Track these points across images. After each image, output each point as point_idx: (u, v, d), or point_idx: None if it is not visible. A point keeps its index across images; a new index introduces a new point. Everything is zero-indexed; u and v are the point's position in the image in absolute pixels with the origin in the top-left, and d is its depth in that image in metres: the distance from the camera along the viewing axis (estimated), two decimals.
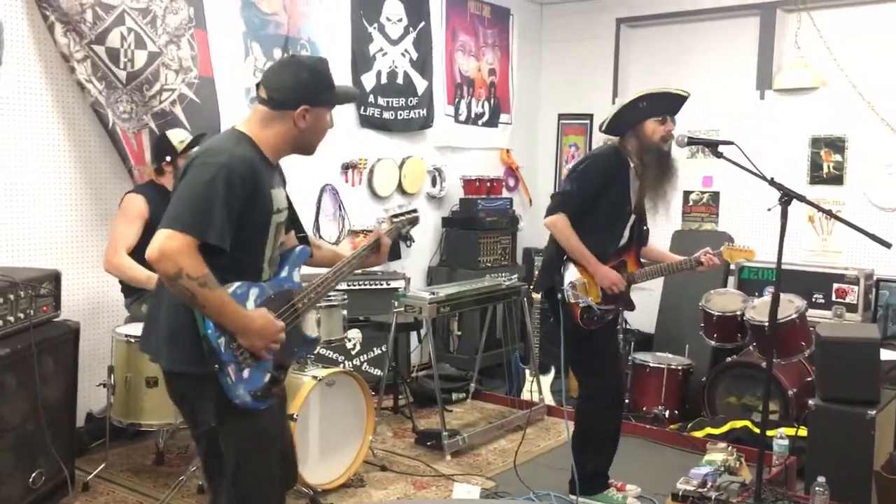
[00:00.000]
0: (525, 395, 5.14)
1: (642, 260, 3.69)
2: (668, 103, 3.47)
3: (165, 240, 2.05)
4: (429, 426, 4.54)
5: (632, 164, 3.45)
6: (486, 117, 6.53)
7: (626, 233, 3.57)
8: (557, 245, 3.48)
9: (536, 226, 6.15)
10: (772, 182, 3.16)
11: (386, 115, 5.60)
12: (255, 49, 4.77)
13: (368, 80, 5.48)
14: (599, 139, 6.32)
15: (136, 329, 3.60)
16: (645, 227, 3.65)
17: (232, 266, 2.15)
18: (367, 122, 5.52)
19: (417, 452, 4.24)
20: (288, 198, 2.39)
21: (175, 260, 2.03)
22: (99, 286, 4.17)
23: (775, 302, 3.17)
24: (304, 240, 2.49)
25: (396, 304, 4.31)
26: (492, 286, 4.69)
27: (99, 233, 4.16)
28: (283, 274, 2.33)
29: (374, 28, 5.50)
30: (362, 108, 5.47)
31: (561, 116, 6.93)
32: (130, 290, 3.96)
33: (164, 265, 2.04)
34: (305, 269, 2.42)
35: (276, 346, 2.19)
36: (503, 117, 6.68)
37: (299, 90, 2.23)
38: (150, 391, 3.51)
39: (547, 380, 5.21)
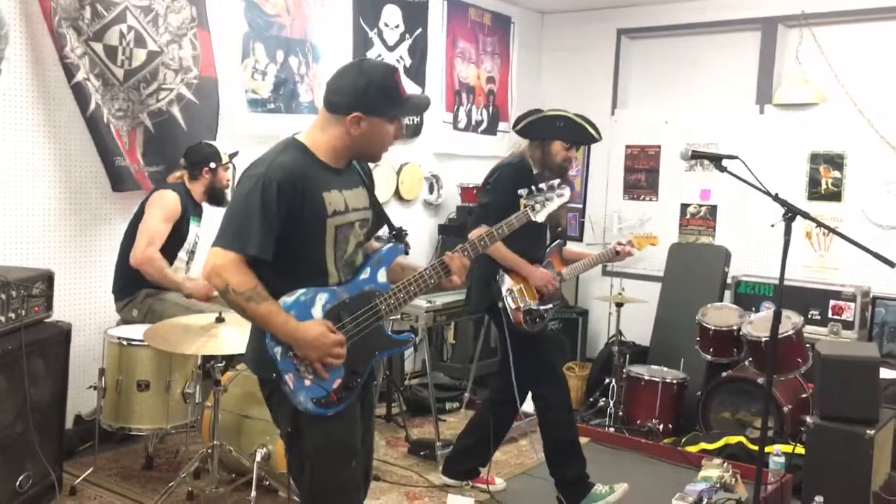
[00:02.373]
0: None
1: (565, 259, 3.90)
2: (580, 135, 3.63)
3: (212, 257, 2.15)
4: (422, 435, 4.50)
5: (534, 171, 3.57)
6: (485, 125, 6.50)
7: (548, 235, 3.77)
8: (488, 259, 3.53)
9: None
10: (776, 198, 3.13)
11: None
12: (258, 50, 4.74)
13: None
14: (587, 148, 6.42)
15: (129, 331, 3.57)
16: (560, 229, 3.86)
17: (294, 272, 2.20)
18: None
19: (410, 462, 4.20)
20: (374, 202, 2.42)
21: (221, 276, 2.12)
22: (92, 287, 4.12)
23: (776, 319, 3.13)
24: (397, 239, 2.45)
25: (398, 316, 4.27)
26: None
27: (92, 233, 4.11)
28: (364, 276, 2.31)
29: (375, 33, 5.47)
30: None
31: None
32: (123, 293, 3.91)
33: (214, 281, 2.15)
34: None
35: (334, 359, 2.19)
36: (502, 125, 6.66)
37: (354, 96, 2.21)
38: (140, 395, 3.47)
39: None
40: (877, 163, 5.39)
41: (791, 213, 3.08)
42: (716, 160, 3.41)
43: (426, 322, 4.17)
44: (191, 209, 3.95)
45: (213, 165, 3.92)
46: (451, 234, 5.96)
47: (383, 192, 5.63)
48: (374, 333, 2.30)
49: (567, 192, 2.74)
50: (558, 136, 3.55)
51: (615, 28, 6.51)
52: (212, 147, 3.98)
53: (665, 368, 5.26)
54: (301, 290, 2.19)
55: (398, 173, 5.73)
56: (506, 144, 6.70)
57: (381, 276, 2.34)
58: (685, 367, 5.29)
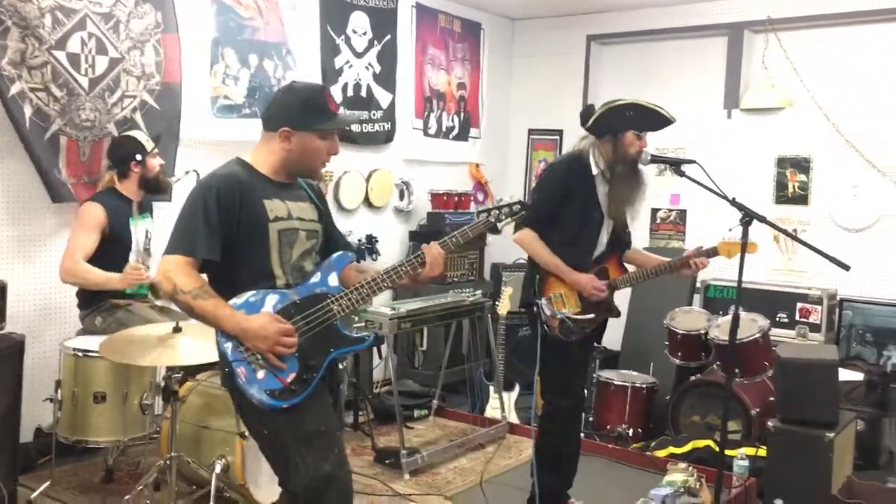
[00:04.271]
0: (489, 413, 5.08)
1: (626, 265, 3.62)
2: (652, 121, 3.40)
3: (162, 264, 2.29)
4: (389, 444, 4.47)
5: (594, 170, 3.39)
6: (455, 131, 6.49)
7: (604, 239, 3.50)
8: (533, 259, 3.45)
9: (505, 241, 6.11)
10: (733, 202, 3.15)
11: (352, 127, 5.55)
12: (228, 55, 4.70)
13: (336, 93, 5.43)
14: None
15: (86, 342, 3.52)
16: (626, 231, 3.59)
17: (241, 277, 2.32)
18: None
19: (375, 471, 4.16)
20: (324, 214, 2.55)
21: (170, 279, 2.25)
22: (47, 298, 4.06)
23: (735, 322, 3.15)
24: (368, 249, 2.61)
25: (357, 319, 4.24)
26: (455, 302, 4.64)
27: (48, 243, 4.05)
28: (314, 280, 2.42)
29: (342, 40, 5.45)
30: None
31: (531, 131, 6.91)
32: (86, 303, 3.86)
33: (163, 286, 2.28)
34: None
35: (283, 348, 2.27)
36: (473, 131, 6.66)
37: (282, 112, 2.38)
38: (97, 406, 3.42)
39: (511, 397, 5.16)
40: (842, 166, 5.43)
41: (748, 217, 3.10)
42: (675, 164, 3.43)
43: (390, 329, 4.14)
44: (126, 211, 3.86)
45: (139, 158, 3.84)
46: (422, 240, 5.91)
47: (353, 199, 5.61)
48: (327, 331, 2.38)
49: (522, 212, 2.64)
50: (629, 126, 3.33)
51: (585, 34, 6.53)
52: (132, 139, 3.88)
53: (635, 373, 5.26)
54: (251, 292, 2.32)
55: (367, 180, 5.71)
56: (478, 150, 6.71)
57: (333, 280, 2.45)
58: (655, 372, 5.29)
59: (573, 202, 3.39)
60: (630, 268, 3.60)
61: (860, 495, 3.01)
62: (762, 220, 3.10)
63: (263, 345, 2.26)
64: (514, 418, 5.03)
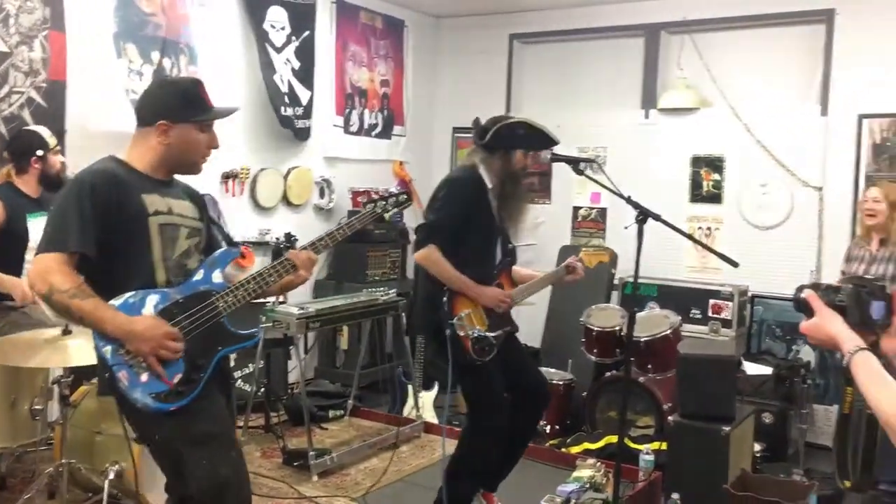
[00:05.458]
0: (407, 412, 5.06)
1: (515, 279, 3.60)
2: (540, 141, 3.44)
3: (34, 264, 2.17)
4: (300, 445, 4.41)
5: (489, 185, 3.38)
6: (379, 129, 6.45)
7: (499, 254, 3.49)
8: (433, 281, 3.33)
9: None
10: (629, 200, 3.18)
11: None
12: (130, 51, 4.58)
13: (280, 84, 5.40)
14: None
15: None
16: (510, 246, 3.59)
17: (121, 274, 2.23)
18: None
19: (283, 473, 4.10)
20: (204, 214, 2.49)
21: (44, 279, 2.12)
22: None
23: (631, 319, 3.19)
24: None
25: (264, 319, 4.17)
26: (367, 301, 4.59)
27: None
28: (198, 277, 2.34)
29: (259, 35, 5.36)
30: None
31: (456, 130, 6.91)
32: None
33: (37, 287, 2.15)
34: None
35: (167, 351, 2.18)
36: (397, 129, 6.62)
37: (155, 105, 2.32)
38: None
39: (430, 396, 5.15)
40: (753, 166, 5.55)
41: (643, 215, 3.14)
42: (574, 163, 3.46)
43: (298, 329, 4.09)
44: (25, 207, 3.73)
45: (40, 153, 3.72)
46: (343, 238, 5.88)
47: (271, 197, 5.53)
48: (214, 329, 2.30)
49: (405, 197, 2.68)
50: (520, 144, 3.37)
51: (508, 33, 6.56)
52: (35, 134, 3.76)
53: (553, 370, 5.28)
54: (129, 293, 2.21)
55: (286, 177, 5.63)
56: (401, 148, 6.68)
57: (217, 277, 2.36)
58: (573, 369, 5.34)
59: (476, 217, 3.36)
60: (518, 283, 3.60)
61: (752, 488, 3.07)
62: (656, 217, 3.14)
63: (146, 347, 2.16)
64: (431, 417, 5.02)
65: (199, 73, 4.86)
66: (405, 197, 2.64)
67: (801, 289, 1.77)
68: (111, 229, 2.20)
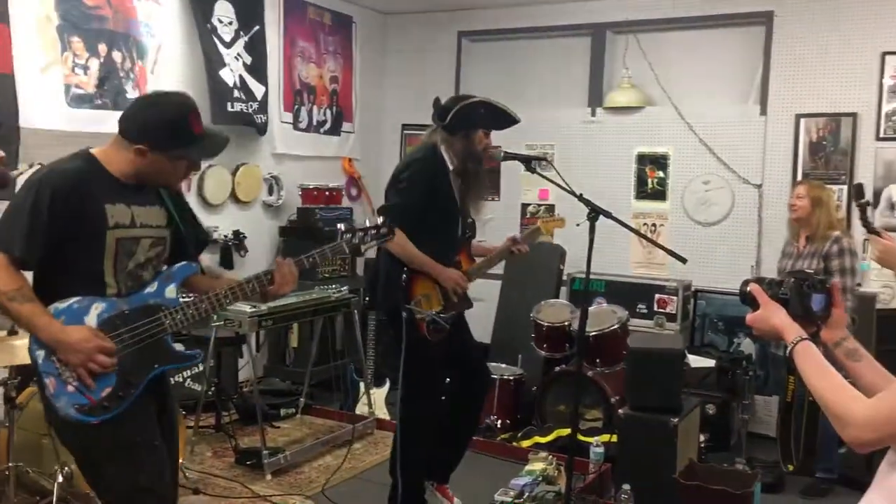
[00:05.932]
0: (360, 409, 5.06)
1: (474, 255, 3.70)
2: (500, 120, 3.49)
3: None
4: (252, 444, 4.38)
5: (450, 165, 3.43)
6: (328, 125, 6.42)
7: (459, 233, 3.55)
8: (394, 259, 3.38)
9: None
10: (580, 198, 3.24)
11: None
12: (75, 44, 4.47)
13: (226, 77, 5.34)
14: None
15: None
16: (470, 220, 3.65)
17: (70, 281, 2.18)
18: None
19: (236, 473, 4.08)
20: (176, 223, 2.39)
21: None
22: None
23: (584, 314, 3.25)
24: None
25: (216, 317, 4.13)
26: (319, 299, 4.59)
27: None
28: (151, 289, 2.29)
29: (209, 28, 5.28)
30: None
31: (405, 126, 6.92)
32: None
33: None
34: None
35: (97, 366, 2.13)
36: (346, 126, 6.60)
37: (141, 128, 2.22)
38: None
39: (382, 392, 5.16)
40: (696, 163, 5.69)
41: (594, 212, 3.20)
42: (526, 161, 3.51)
43: (250, 328, 4.06)
44: None
45: None
46: (292, 236, 5.86)
47: (219, 194, 5.46)
48: (154, 346, 2.25)
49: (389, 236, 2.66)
50: (481, 124, 3.42)
51: (456, 30, 6.59)
52: None
53: (503, 365, 5.35)
54: (75, 298, 2.18)
55: (234, 174, 5.57)
56: (351, 145, 6.66)
57: (170, 292, 2.31)
58: (523, 364, 5.40)
59: (437, 198, 3.41)
60: (476, 258, 3.69)
61: (699, 477, 3.17)
62: (608, 215, 3.20)
63: (76, 359, 2.11)
64: (383, 414, 5.03)
65: (147, 68, 4.79)
66: (386, 231, 2.61)
67: (746, 283, 1.85)
68: (66, 237, 2.15)
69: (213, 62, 5.26)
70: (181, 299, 2.32)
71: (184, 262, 2.38)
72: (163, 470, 2.27)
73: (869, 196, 4.98)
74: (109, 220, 2.20)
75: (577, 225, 3.32)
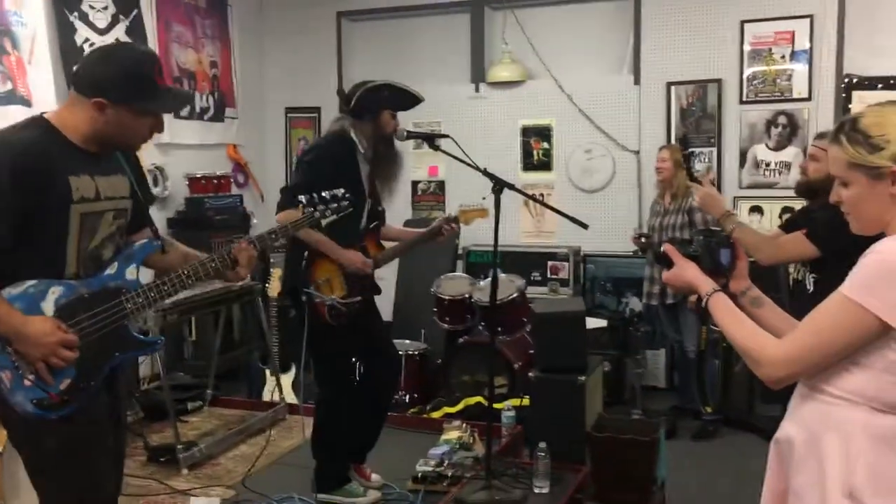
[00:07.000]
0: (266, 396, 5.04)
1: (383, 242, 3.72)
2: (404, 100, 3.56)
3: None
4: (163, 441, 4.29)
5: (361, 149, 3.46)
6: (211, 112, 6.27)
7: (365, 218, 3.57)
8: (296, 242, 3.38)
9: (270, 221, 6.03)
10: (485, 172, 3.34)
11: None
12: None
13: None
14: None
15: None
16: (380, 208, 3.69)
17: (28, 262, 2.00)
18: None
19: (150, 470, 3.99)
20: (136, 191, 2.22)
21: None
22: None
23: (494, 282, 3.38)
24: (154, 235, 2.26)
25: None
26: (223, 288, 4.51)
27: None
28: (111, 271, 2.13)
29: (75, 16, 5.04)
30: None
31: (288, 110, 6.84)
32: None
33: None
34: None
35: (59, 360, 2.00)
36: (229, 111, 6.46)
37: (98, 80, 2.03)
38: None
39: (288, 378, 5.15)
40: (577, 133, 5.94)
41: (499, 185, 3.32)
42: (429, 140, 3.60)
43: (156, 323, 3.96)
44: None
45: None
46: (181, 227, 5.70)
47: None
48: (115, 333, 2.12)
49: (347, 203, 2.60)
50: (386, 105, 3.45)
51: (334, 11, 6.55)
52: None
53: (408, 341, 5.44)
54: (31, 282, 2.01)
55: None
56: (235, 131, 6.53)
57: (130, 273, 2.17)
58: (426, 338, 5.51)
59: (342, 182, 3.41)
60: (387, 244, 3.72)
61: (609, 429, 3.37)
62: (511, 187, 3.34)
63: (36, 353, 1.98)
64: (291, 399, 5.03)
65: (24, 58, 4.54)
66: (346, 204, 2.56)
67: (660, 244, 2.01)
68: (28, 216, 1.97)
69: (68, 58, 4.96)
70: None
71: (145, 241, 2.24)
72: (111, 469, 2.21)
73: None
74: (74, 194, 2.02)
75: (483, 199, 3.43)
